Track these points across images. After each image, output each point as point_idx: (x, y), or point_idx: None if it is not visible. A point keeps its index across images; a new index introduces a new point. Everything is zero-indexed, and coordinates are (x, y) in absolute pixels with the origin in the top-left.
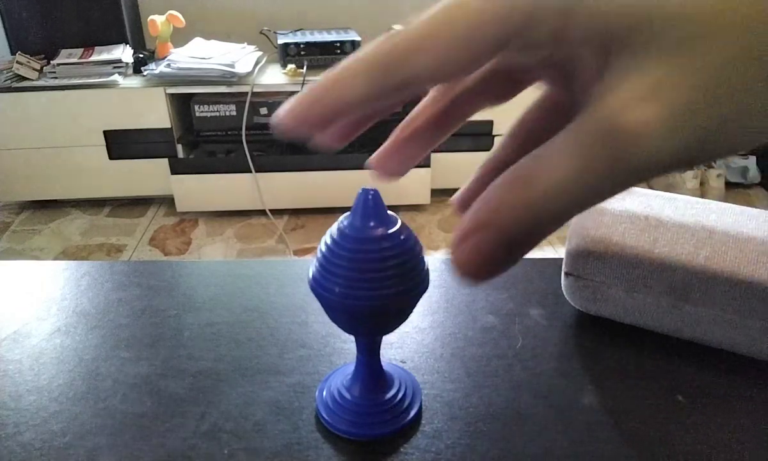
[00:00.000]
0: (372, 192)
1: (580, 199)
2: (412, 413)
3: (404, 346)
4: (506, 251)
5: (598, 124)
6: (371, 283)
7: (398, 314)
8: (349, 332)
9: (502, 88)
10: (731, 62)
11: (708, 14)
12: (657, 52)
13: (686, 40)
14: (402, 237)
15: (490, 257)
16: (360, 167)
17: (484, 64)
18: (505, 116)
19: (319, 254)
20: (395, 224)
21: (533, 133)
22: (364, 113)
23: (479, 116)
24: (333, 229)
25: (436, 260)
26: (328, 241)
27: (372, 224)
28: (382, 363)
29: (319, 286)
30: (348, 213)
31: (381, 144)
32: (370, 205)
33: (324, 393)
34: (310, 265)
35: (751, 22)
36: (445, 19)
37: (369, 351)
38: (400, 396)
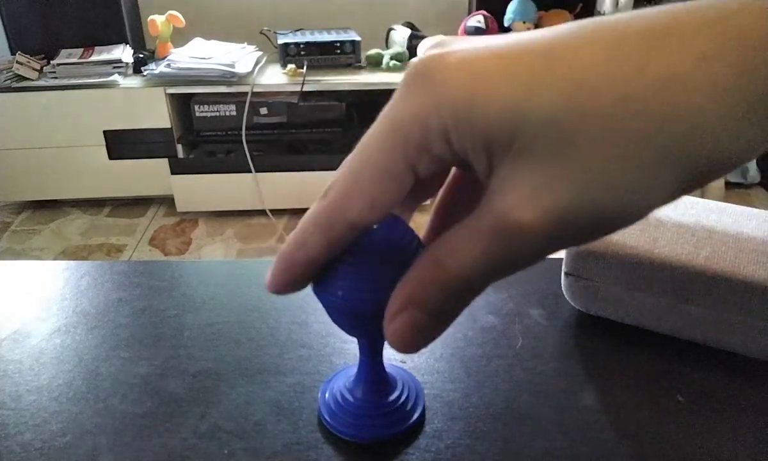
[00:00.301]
0: None
1: (483, 278)
2: (416, 415)
3: None
4: (430, 323)
5: (491, 220)
6: (374, 284)
7: None
8: (352, 335)
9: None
10: (599, 163)
11: (576, 117)
12: (534, 159)
13: (559, 145)
14: (404, 237)
15: (417, 329)
16: None
17: (409, 187)
18: None
19: None
20: (397, 225)
21: (449, 207)
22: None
23: None
24: None
25: None
26: None
27: (374, 225)
28: (384, 365)
29: (321, 289)
30: None
31: None
32: None
33: (327, 395)
34: None
35: (614, 123)
36: (358, 166)
37: (372, 353)
38: (403, 398)
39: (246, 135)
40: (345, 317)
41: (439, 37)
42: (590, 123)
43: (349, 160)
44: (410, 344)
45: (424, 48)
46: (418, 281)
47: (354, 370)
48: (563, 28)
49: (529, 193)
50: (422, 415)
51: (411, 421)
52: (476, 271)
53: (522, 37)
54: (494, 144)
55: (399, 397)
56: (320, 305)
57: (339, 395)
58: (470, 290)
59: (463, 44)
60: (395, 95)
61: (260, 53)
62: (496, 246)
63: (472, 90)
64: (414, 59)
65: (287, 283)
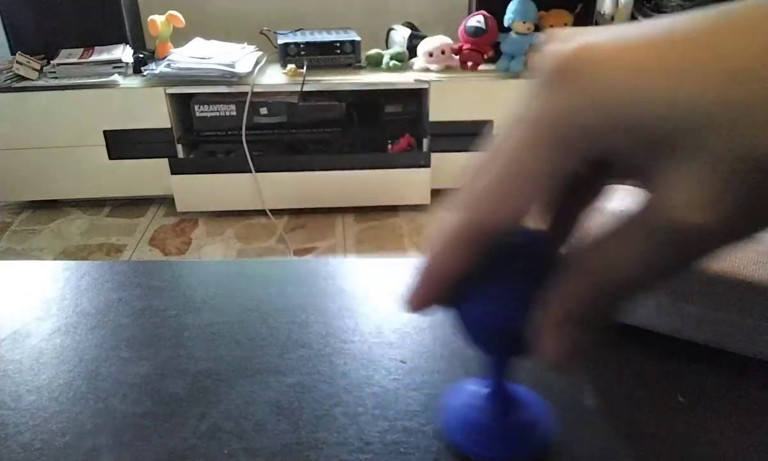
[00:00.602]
0: None
1: (650, 285)
2: (545, 435)
3: (404, 346)
4: (588, 338)
5: (662, 223)
6: (518, 299)
7: None
8: (487, 354)
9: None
10: None
11: (741, 108)
12: (701, 155)
13: (726, 139)
14: (544, 245)
15: (576, 346)
16: (360, 167)
17: (552, 191)
18: (504, 117)
19: None
20: (535, 231)
21: (554, 204)
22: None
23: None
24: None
25: None
26: None
27: (525, 235)
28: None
29: (456, 305)
30: None
31: (381, 144)
32: None
33: (450, 414)
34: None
35: None
36: (503, 172)
37: (506, 372)
38: (532, 418)
39: (246, 135)
40: (484, 335)
41: (561, 35)
42: (757, 115)
43: (486, 166)
44: (568, 362)
45: (549, 45)
46: (574, 296)
47: (473, 387)
48: (701, 15)
49: (703, 193)
50: (551, 434)
51: (540, 440)
52: (645, 279)
53: (656, 25)
54: (655, 142)
55: (528, 417)
56: (320, 305)
57: (468, 415)
58: (633, 299)
59: (592, 35)
60: (534, 95)
61: (260, 53)
62: (669, 251)
63: (626, 85)
64: (547, 54)
65: (431, 300)
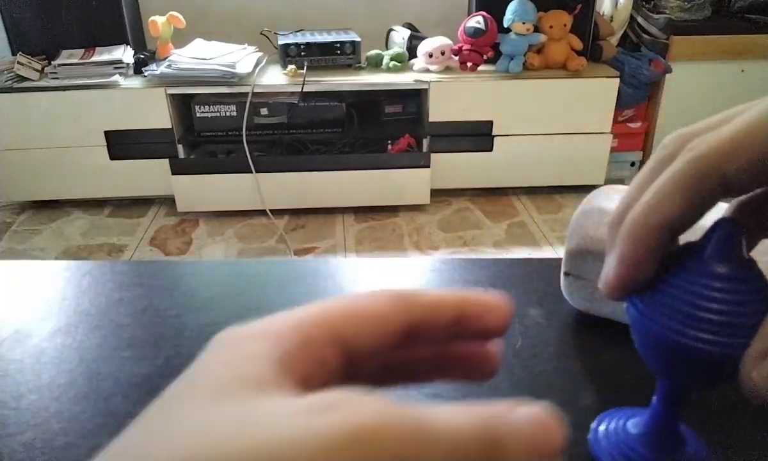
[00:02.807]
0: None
1: None
2: None
3: None
4: None
5: None
6: (734, 324)
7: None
8: (660, 374)
9: None
10: None
11: None
12: None
13: None
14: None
15: None
16: (360, 167)
17: None
18: (504, 117)
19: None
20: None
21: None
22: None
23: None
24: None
25: (436, 261)
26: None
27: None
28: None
29: (649, 308)
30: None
31: (381, 144)
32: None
33: (606, 441)
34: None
35: None
36: (750, 117)
37: (678, 401)
38: (694, 457)
39: (246, 135)
40: (675, 355)
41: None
42: None
43: (728, 124)
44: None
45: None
46: None
47: (633, 413)
48: None
49: None
50: None
51: None
52: None
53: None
54: None
55: (691, 457)
56: None
57: (625, 446)
58: None
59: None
60: None
61: (261, 54)
62: None
63: None
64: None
65: (639, 261)
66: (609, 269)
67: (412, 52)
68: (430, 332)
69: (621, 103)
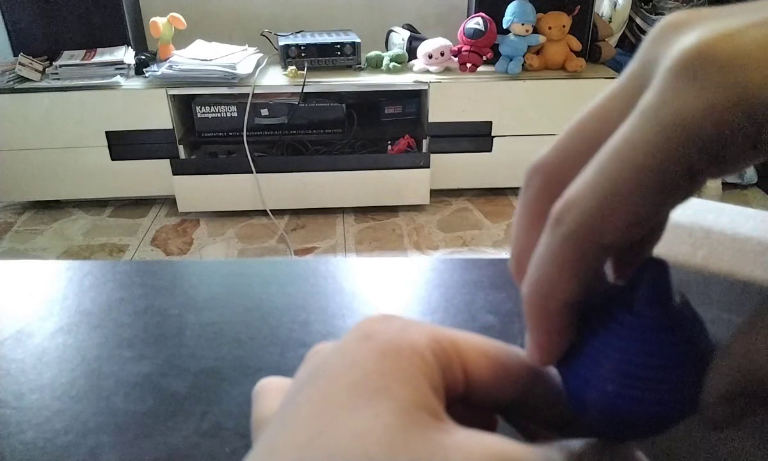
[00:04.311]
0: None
1: None
2: None
3: None
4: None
5: None
6: (662, 372)
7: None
8: (601, 435)
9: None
10: None
11: None
12: None
13: None
14: (698, 330)
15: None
16: (360, 168)
17: (682, 201)
18: (503, 118)
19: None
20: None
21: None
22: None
23: (478, 116)
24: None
25: (435, 261)
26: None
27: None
28: None
29: (576, 379)
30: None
31: (381, 145)
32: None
33: None
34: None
35: None
36: (613, 171)
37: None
38: None
39: (247, 136)
40: (617, 422)
41: (677, 20)
42: None
43: (593, 168)
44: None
45: (657, 31)
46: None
47: None
48: None
49: None
50: None
51: None
52: None
53: None
54: None
55: None
56: (321, 305)
57: None
58: None
59: (720, 22)
60: (662, 87)
61: (261, 55)
62: None
63: None
64: (681, 45)
65: (551, 340)
66: (528, 342)
67: (411, 53)
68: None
69: None
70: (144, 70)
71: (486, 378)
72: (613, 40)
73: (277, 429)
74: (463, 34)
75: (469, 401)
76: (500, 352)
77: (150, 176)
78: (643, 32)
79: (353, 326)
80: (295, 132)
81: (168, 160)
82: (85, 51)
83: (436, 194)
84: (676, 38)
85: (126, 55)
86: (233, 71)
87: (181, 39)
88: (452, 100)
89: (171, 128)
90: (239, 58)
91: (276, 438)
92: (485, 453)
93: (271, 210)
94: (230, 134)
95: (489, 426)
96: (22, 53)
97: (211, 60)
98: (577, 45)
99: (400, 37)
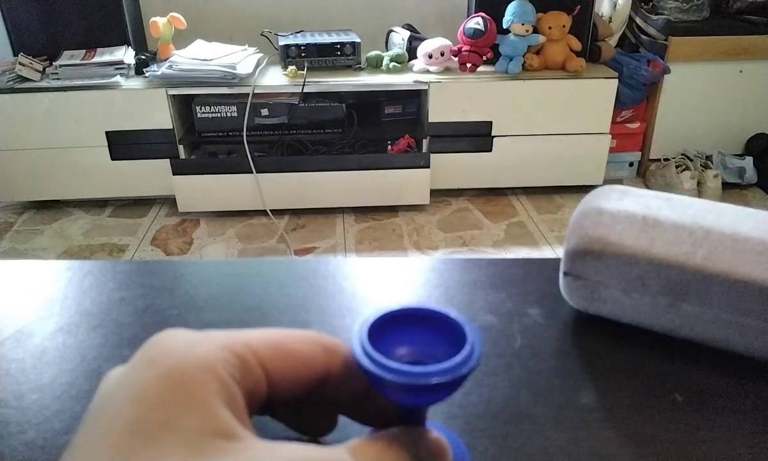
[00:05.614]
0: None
1: None
2: None
3: None
4: None
5: None
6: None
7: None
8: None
9: None
10: None
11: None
12: None
13: None
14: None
15: None
16: (360, 168)
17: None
18: (503, 117)
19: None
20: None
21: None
22: None
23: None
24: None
25: (435, 260)
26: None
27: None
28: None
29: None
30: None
31: (381, 144)
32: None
33: None
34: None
35: None
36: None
37: (418, 421)
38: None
39: (247, 136)
40: (410, 393)
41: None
42: None
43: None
44: None
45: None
46: None
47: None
48: None
49: None
50: None
51: None
52: None
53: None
54: None
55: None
56: (321, 305)
57: None
58: None
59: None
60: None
61: (261, 55)
62: None
63: None
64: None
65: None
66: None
67: (411, 53)
68: (343, 385)
69: (620, 104)
70: (144, 70)
71: (285, 371)
72: (613, 40)
73: None
74: (463, 34)
75: (301, 401)
76: (293, 340)
77: (150, 175)
78: (643, 32)
79: (146, 345)
80: (295, 132)
81: (168, 160)
82: (85, 51)
83: (436, 194)
84: None
85: (126, 55)
86: (233, 71)
87: (181, 39)
88: (452, 100)
89: (171, 127)
90: (239, 58)
91: None
92: None
93: (271, 210)
94: (230, 133)
95: (330, 425)
96: (22, 53)
97: (211, 60)
98: (577, 45)
99: (400, 37)
